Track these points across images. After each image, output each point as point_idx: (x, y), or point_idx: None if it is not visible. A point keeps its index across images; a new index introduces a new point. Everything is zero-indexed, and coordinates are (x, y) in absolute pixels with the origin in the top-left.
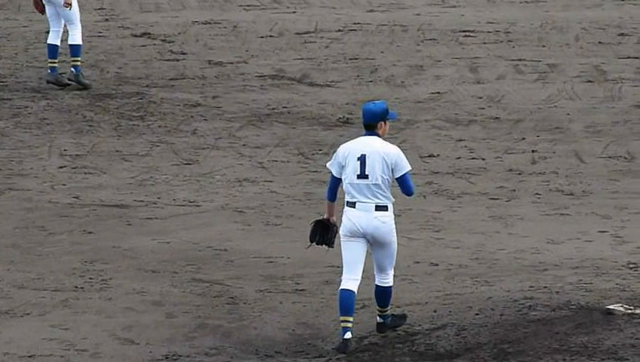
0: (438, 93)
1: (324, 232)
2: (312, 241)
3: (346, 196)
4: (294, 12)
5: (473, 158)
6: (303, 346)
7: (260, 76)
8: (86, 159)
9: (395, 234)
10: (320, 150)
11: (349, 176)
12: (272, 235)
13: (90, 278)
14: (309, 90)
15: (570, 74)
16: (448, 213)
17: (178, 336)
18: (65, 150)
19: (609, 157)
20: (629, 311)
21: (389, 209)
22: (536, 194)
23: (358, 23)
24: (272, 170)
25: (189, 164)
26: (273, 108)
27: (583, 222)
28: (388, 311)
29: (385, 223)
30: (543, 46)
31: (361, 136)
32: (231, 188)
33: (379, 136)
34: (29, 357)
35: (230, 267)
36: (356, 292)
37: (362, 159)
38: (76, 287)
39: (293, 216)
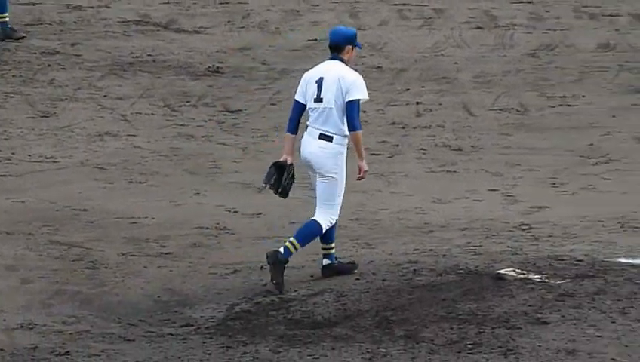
0: (316, 40)
1: (279, 175)
2: (265, 184)
3: None
4: None
5: None
6: (169, 314)
7: (123, 22)
8: None
9: (337, 170)
10: (188, 102)
11: (309, 101)
12: (135, 194)
13: None
14: (175, 37)
15: (458, 19)
16: None
17: (34, 303)
18: None
19: (500, 109)
20: (521, 276)
21: (333, 140)
22: (422, 149)
23: None
24: (135, 124)
25: (46, 116)
26: (137, 57)
27: (471, 180)
28: (295, 251)
29: (323, 151)
30: None
31: (326, 60)
32: (91, 143)
33: (343, 60)
34: None
35: (90, 228)
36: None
37: (320, 82)
38: None
39: (159, 173)
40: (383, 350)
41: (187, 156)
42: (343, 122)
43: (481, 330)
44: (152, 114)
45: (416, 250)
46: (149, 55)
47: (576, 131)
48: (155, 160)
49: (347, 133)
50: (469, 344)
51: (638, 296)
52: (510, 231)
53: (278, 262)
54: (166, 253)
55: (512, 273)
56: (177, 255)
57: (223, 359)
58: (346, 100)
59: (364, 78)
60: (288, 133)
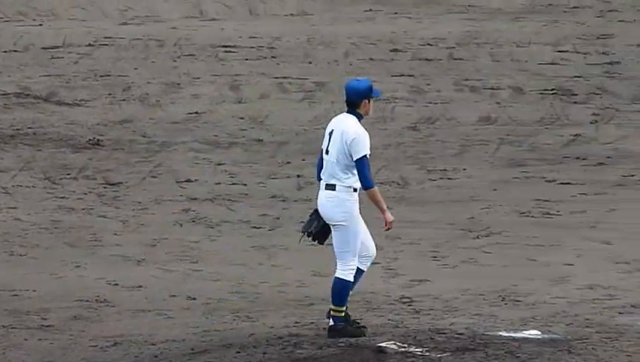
0: (196, 113)
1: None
2: (303, 232)
3: None
4: (41, 25)
5: (234, 184)
6: None
7: (3, 94)
8: None
9: (346, 217)
10: (68, 174)
11: (323, 152)
12: (16, 266)
13: None
14: (56, 110)
15: (339, 93)
16: (207, 242)
17: None
18: None
19: (381, 182)
20: (402, 350)
21: (337, 188)
22: (302, 222)
23: (110, 37)
24: (16, 196)
25: None
26: (17, 129)
27: None
28: (342, 313)
29: (330, 201)
30: (310, 63)
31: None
32: None
33: (357, 115)
34: None
35: None
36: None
37: (330, 135)
38: None
39: (39, 246)
40: None
41: (68, 229)
42: (346, 175)
43: None
44: (33, 186)
45: (297, 322)
46: (29, 127)
47: (457, 204)
48: (36, 232)
49: (353, 185)
50: None
51: None
52: (391, 305)
53: (336, 332)
54: (47, 326)
55: (393, 346)
56: (58, 327)
57: None
58: (354, 159)
59: (245, 150)
60: (318, 181)
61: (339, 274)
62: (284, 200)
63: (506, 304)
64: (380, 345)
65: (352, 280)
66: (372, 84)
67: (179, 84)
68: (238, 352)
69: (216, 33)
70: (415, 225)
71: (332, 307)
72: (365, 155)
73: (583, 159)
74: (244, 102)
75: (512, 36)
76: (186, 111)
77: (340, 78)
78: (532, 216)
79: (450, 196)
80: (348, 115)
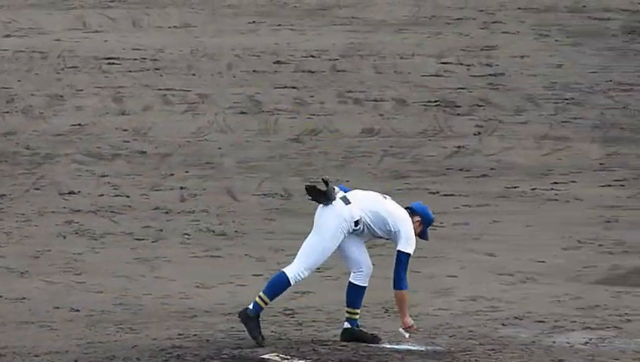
0: (79, 124)
1: None
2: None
3: None
4: None
5: (117, 196)
6: None
7: None
8: None
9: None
10: None
11: None
12: None
13: None
14: None
15: (223, 105)
16: (90, 254)
17: None
18: None
19: (264, 194)
20: (286, 361)
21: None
22: (185, 234)
23: None
24: None
25: None
26: None
27: (236, 265)
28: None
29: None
30: (193, 75)
31: None
32: None
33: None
34: None
35: None
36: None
37: None
38: None
39: None
40: None
41: None
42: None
43: None
44: None
45: (180, 334)
46: None
47: None
48: None
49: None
50: None
51: None
52: (274, 316)
53: (248, 319)
54: None
55: (276, 358)
56: None
57: None
58: (396, 247)
59: (128, 162)
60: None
61: (287, 270)
62: (167, 212)
63: (389, 316)
64: (264, 356)
65: (292, 284)
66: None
67: (62, 96)
68: None
69: (99, 45)
70: (299, 236)
71: (260, 296)
72: (409, 254)
73: (467, 171)
74: (127, 113)
75: (396, 48)
76: (69, 123)
77: (224, 89)
78: None
79: None
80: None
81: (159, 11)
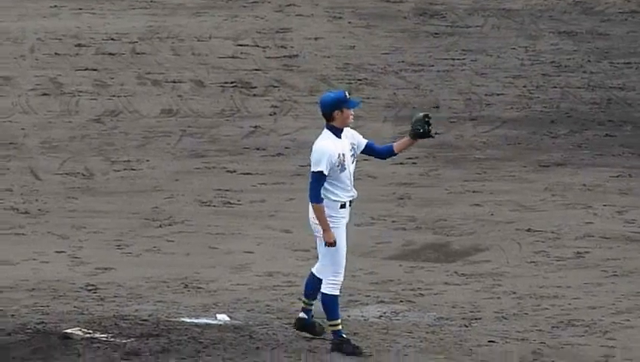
0: None
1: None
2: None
3: None
4: None
5: None
6: None
7: None
8: None
9: (319, 230)
10: None
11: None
12: None
13: None
14: None
15: (25, 87)
16: None
17: None
18: None
19: (66, 173)
20: (88, 335)
21: (309, 205)
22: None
23: None
24: None
25: None
26: None
27: (39, 242)
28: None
29: (310, 215)
30: None
31: None
32: None
33: (330, 127)
34: None
35: None
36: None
37: None
38: None
39: None
40: None
41: None
42: (329, 189)
43: None
44: None
45: None
46: None
47: (140, 195)
48: None
49: (339, 200)
50: None
51: (201, 355)
52: (77, 292)
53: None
54: None
55: (79, 332)
56: None
57: None
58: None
59: None
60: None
61: (322, 288)
62: None
63: (188, 291)
64: (66, 331)
65: (337, 293)
66: (344, 95)
67: None
68: None
69: None
70: (100, 214)
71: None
72: (313, 171)
73: (263, 150)
74: None
75: (193, 31)
76: None
77: (26, 71)
78: (213, 206)
79: (133, 186)
80: (324, 129)
81: None
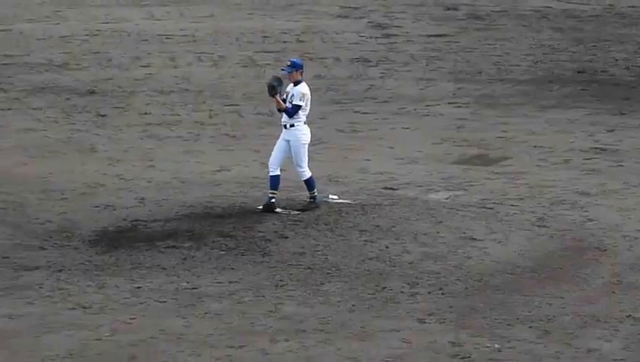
0: None
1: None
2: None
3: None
4: None
5: None
6: None
7: None
8: None
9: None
10: None
11: None
12: None
13: None
14: None
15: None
16: None
17: None
18: None
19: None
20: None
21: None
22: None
23: None
24: None
25: None
26: None
27: (241, 154)
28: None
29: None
30: None
31: None
32: None
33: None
34: None
35: None
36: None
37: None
38: None
39: None
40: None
41: None
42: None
43: (250, 241)
44: None
45: None
46: None
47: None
48: None
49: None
50: (242, 250)
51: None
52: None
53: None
54: None
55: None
56: None
57: None
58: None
59: None
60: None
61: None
62: None
63: (330, 182)
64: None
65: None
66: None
67: None
68: None
69: None
70: None
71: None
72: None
73: (374, 99)
74: None
75: None
76: None
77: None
78: (346, 132)
79: None
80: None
81: None
